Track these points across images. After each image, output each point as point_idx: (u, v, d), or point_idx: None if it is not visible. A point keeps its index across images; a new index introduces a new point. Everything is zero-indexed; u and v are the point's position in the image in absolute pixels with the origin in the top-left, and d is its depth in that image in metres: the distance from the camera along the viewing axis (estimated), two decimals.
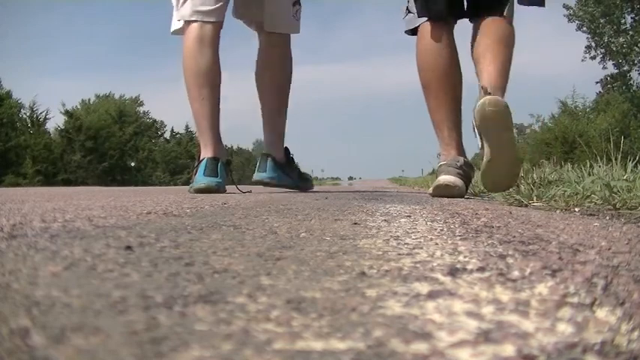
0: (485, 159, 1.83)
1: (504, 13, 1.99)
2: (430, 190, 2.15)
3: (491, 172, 1.83)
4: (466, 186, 2.03)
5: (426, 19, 2.08)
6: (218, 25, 2.30)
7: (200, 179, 2.23)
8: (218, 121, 2.32)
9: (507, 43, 1.96)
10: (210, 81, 2.27)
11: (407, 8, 2.19)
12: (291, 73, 2.54)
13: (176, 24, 2.36)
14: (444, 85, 2.08)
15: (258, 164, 2.52)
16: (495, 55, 1.92)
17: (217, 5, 2.25)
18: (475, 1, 2.06)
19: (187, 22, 2.28)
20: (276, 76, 2.49)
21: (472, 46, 2.03)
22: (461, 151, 2.11)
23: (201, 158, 2.29)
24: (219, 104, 2.33)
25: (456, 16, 2.13)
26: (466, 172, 2.03)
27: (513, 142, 1.89)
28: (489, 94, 1.77)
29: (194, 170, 2.33)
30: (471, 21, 2.10)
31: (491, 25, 1.98)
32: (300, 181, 2.66)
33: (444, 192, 1.99)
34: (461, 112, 2.17)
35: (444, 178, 1.99)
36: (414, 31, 2.18)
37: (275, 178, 2.48)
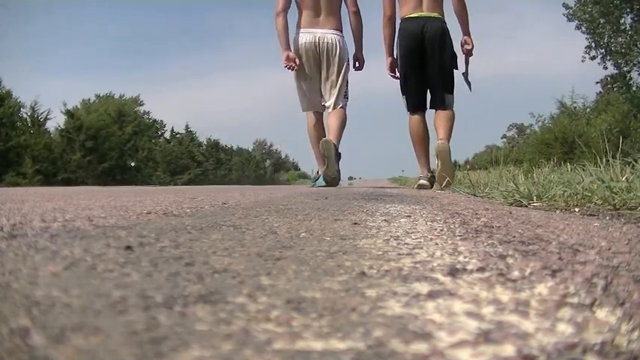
0: (438, 168, 4.19)
1: (447, 107, 4.40)
2: (415, 186, 4.56)
3: (441, 175, 4.07)
4: (431, 184, 4.40)
5: (412, 111, 4.56)
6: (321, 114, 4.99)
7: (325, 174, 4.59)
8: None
9: (450, 120, 4.35)
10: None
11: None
12: (345, 122, 4.88)
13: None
14: (422, 141, 4.50)
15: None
16: (444, 126, 4.30)
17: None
18: (433, 104, 4.46)
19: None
20: (337, 127, 4.84)
21: (435, 120, 4.38)
22: (429, 170, 4.55)
23: (319, 172, 4.83)
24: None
25: (425, 109, 4.54)
26: (431, 179, 4.44)
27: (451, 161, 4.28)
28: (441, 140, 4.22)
29: (318, 172, 4.89)
30: (431, 108, 4.56)
31: (442, 113, 4.37)
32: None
33: (422, 188, 4.31)
34: (429, 153, 4.55)
35: (422, 182, 4.46)
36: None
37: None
